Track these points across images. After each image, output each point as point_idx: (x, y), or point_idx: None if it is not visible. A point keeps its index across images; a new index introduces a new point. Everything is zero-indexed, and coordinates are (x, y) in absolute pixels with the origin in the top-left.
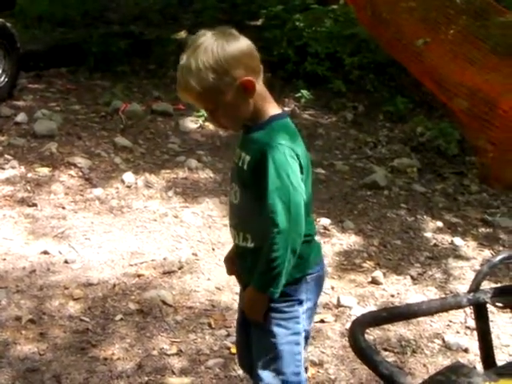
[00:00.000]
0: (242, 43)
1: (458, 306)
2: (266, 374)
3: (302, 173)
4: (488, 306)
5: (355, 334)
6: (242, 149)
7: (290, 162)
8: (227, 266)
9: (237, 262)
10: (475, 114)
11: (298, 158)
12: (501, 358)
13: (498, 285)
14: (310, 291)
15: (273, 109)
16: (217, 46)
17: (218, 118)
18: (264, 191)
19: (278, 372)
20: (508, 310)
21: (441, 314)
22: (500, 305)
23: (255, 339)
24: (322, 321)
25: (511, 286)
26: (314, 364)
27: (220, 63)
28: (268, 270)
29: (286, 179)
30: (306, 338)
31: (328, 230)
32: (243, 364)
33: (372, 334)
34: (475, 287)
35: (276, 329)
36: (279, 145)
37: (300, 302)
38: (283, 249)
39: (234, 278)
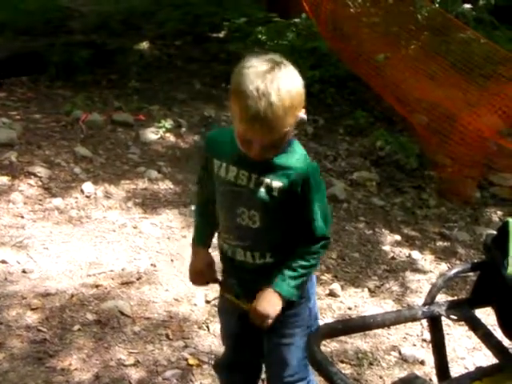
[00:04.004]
0: None
1: (413, 319)
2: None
3: None
4: (443, 318)
5: (311, 345)
6: (260, 174)
7: (322, 180)
8: (205, 273)
9: (237, 277)
10: (434, 129)
11: None
12: (457, 371)
13: (454, 298)
14: (312, 286)
15: None
16: (298, 81)
17: (272, 150)
18: (308, 212)
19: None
20: (463, 322)
21: (397, 326)
22: (454, 318)
23: (271, 348)
24: None
25: (465, 300)
26: None
27: (302, 98)
28: (299, 276)
29: (323, 198)
30: None
31: None
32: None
33: (329, 346)
34: (430, 300)
35: (294, 329)
36: (315, 166)
37: (308, 299)
38: (319, 258)
39: (192, 289)
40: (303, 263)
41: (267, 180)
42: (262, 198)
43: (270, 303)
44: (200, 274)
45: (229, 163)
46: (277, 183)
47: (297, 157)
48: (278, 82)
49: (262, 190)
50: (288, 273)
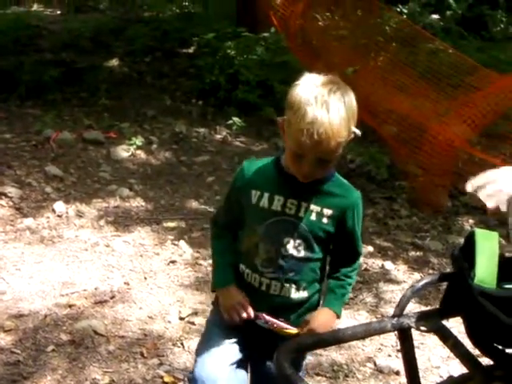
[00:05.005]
0: None
1: (383, 331)
2: None
3: None
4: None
5: (280, 360)
6: (310, 202)
7: None
8: (245, 304)
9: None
10: (404, 140)
11: None
12: (431, 380)
13: (426, 307)
14: None
15: None
16: (353, 96)
17: (322, 167)
18: (353, 236)
19: None
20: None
21: (372, 337)
22: (424, 329)
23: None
24: None
25: (435, 310)
26: None
27: (356, 112)
28: (346, 294)
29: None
30: None
31: None
32: None
33: None
34: (399, 312)
35: None
36: (360, 194)
37: None
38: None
39: (166, 306)
40: (350, 281)
41: (318, 208)
42: (312, 225)
43: (329, 323)
44: (239, 307)
45: (273, 193)
46: (328, 210)
47: (343, 185)
48: (335, 94)
49: (313, 218)
50: (340, 291)
